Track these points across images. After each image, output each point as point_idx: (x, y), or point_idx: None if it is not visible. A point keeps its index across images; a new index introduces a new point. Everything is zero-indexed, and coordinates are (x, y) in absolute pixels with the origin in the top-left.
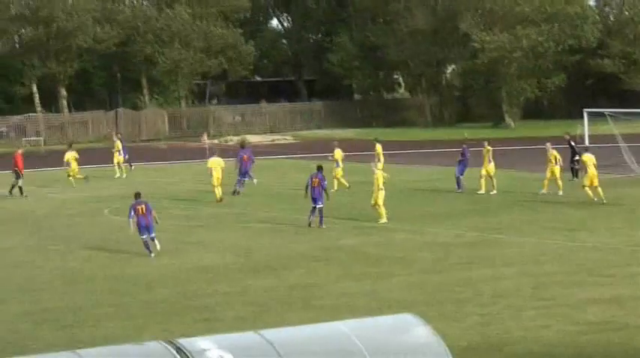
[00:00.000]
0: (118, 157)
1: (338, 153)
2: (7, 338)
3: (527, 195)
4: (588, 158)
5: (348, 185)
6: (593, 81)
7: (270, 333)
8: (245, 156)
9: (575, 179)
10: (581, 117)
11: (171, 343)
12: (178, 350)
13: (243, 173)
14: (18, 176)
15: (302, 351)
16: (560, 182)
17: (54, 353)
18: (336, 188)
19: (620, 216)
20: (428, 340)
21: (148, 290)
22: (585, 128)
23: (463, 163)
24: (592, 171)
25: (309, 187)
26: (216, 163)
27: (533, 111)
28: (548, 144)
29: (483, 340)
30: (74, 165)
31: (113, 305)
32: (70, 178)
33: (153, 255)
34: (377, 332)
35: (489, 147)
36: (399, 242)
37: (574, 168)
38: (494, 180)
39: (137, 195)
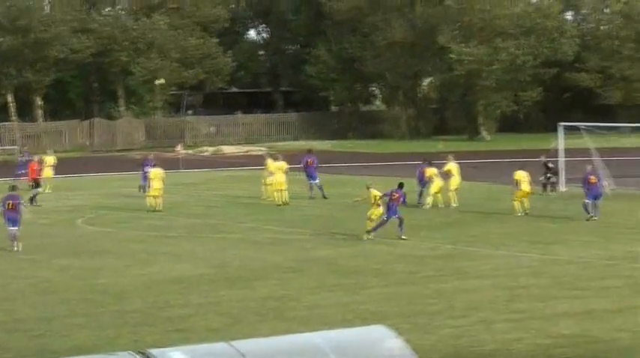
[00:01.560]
0: (49, 172)
1: (272, 165)
2: None
3: (502, 208)
4: (522, 175)
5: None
6: (569, 95)
7: (242, 344)
8: (310, 160)
9: (549, 193)
10: (557, 130)
11: (142, 353)
12: None
13: (311, 176)
14: (37, 185)
15: None
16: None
17: None
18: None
19: (594, 230)
20: (400, 352)
21: (120, 300)
22: (560, 142)
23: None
24: (526, 188)
25: (389, 201)
26: (157, 174)
27: (509, 125)
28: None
29: (456, 352)
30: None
31: (85, 315)
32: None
33: (16, 249)
34: (349, 344)
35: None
36: (373, 254)
37: (545, 184)
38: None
39: (12, 188)
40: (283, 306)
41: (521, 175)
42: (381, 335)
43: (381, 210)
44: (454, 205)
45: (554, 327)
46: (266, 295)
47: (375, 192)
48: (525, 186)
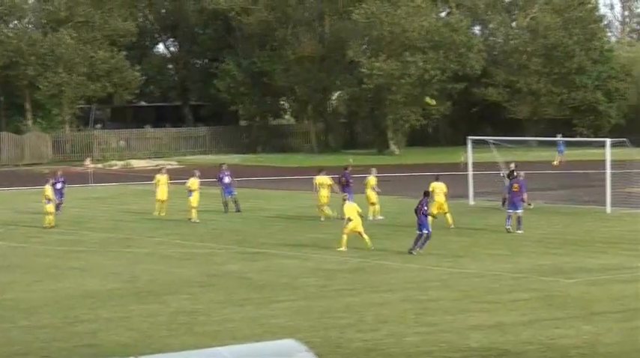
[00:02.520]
0: None
1: (193, 183)
2: None
3: (412, 222)
4: (437, 186)
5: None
6: (477, 109)
7: None
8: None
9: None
10: (466, 144)
11: None
12: None
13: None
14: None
15: None
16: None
17: None
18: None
19: (503, 243)
20: None
21: (30, 315)
22: (469, 155)
23: (348, 189)
24: (440, 199)
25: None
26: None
27: (418, 138)
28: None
29: None
30: None
31: None
32: None
33: None
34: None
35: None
36: (283, 268)
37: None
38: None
39: None
40: (193, 321)
41: (436, 186)
42: (291, 349)
43: (352, 224)
44: (380, 218)
45: (464, 340)
46: (176, 310)
47: (352, 205)
48: (440, 197)
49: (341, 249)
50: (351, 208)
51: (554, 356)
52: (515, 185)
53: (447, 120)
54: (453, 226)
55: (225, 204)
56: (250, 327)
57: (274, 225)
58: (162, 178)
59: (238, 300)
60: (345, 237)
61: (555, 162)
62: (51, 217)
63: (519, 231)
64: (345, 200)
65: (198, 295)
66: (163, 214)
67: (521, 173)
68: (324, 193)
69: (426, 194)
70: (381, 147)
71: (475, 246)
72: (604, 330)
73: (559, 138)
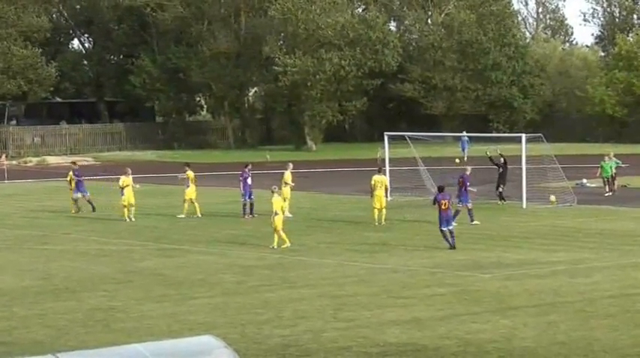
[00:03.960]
0: None
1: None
2: None
3: (328, 217)
4: (379, 180)
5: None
6: (393, 104)
7: (68, 356)
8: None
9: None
10: (382, 140)
11: None
12: None
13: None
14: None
15: None
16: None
17: None
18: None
19: (420, 238)
20: None
21: None
22: (386, 151)
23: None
24: (380, 193)
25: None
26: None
27: (335, 134)
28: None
29: None
30: None
31: None
32: None
33: None
34: (177, 354)
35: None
36: (200, 264)
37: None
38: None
39: None
40: (110, 318)
41: (377, 179)
42: (209, 346)
43: (280, 217)
44: (289, 215)
45: (382, 335)
46: (93, 307)
47: (279, 199)
48: (379, 192)
49: (286, 245)
50: (278, 202)
51: (471, 351)
52: (460, 179)
53: (363, 116)
54: (383, 223)
55: (245, 206)
56: (167, 324)
57: (190, 221)
58: (127, 180)
59: (155, 297)
60: (281, 233)
61: (457, 161)
62: None
63: (474, 223)
64: (273, 192)
65: (115, 292)
66: (134, 219)
67: (468, 168)
68: None
69: (440, 189)
70: (298, 143)
71: (392, 240)
72: (520, 325)
73: (464, 134)
